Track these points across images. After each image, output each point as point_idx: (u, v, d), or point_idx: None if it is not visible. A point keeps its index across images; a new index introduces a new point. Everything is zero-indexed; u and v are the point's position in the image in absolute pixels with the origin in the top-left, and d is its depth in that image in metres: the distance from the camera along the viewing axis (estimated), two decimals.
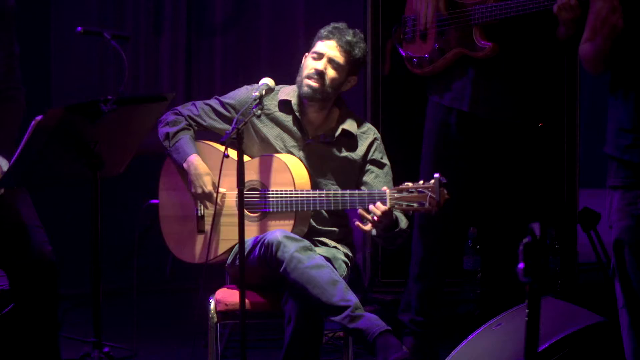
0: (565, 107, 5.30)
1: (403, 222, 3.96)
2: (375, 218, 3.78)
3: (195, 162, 4.05)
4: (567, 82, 5.30)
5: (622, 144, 3.23)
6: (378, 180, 4.08)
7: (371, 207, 3.79)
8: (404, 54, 4.40)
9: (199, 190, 4.03)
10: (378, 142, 4.14)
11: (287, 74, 4.32)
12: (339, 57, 4.02)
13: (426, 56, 4.33)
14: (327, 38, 4.03)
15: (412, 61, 4.38)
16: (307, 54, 4.10)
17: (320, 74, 4.00)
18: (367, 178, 4.10)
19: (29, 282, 3.79)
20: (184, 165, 4.06)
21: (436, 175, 3.75)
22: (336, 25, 4.06)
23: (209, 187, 4.01)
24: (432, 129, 4.40)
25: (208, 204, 4.04)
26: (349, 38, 4.02)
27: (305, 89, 4.02)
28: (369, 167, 4.11)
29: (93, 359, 3.54)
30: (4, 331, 3.85)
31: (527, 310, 2.28)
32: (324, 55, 4.02)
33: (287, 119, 4.11)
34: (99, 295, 3.55)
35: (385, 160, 4.13)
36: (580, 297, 4.89)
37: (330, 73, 4.02)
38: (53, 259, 3.82)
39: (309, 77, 4.02)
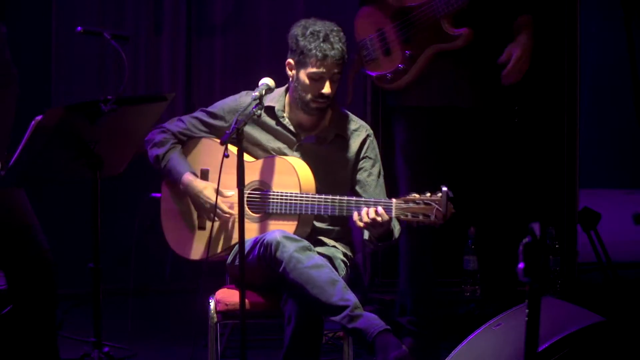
0: (565, 107, 5.30)
1: (396, 230, 3.97)
2: (369, 221, 3.78)
3: (190, 182, 4.03)
4: (567, 82, 5.29)
5: None
6: (371, 179, 4.08)
7: (369, 212, 3.78)
8: (373, 74, 4.33)
9: (207, 206, 4.01)
10: (371, 138, 4.13)
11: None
12: (338, 70, 3.97)
13: (400, 66, 4.29)
14: (324, 59, 3.93)
15: (386, 78, 4.32)
16: (292, 61, 4.00)
17: (328, 96, 3.98)
18: (360, 176, 4.09)
19: (27, 281, 3.79)
20: (181, 187, 4.04)
21: (444, 188, 3.71)
22: (323, 33, 3.96)
23: (213, 200, 4.00)
24: (416, 137, 4.36)
25: (219, 212, 4.00)
26: (339, 46, 3.95)
27: (314, 107, 3.99)
28: (361, 164, 4.10)
29: (93, 359, 3.54)
30: (3, 332, 3.85)
31: (527, 310, 2.27)
32: (325, 77, 3.96)
33: (273, 123, 4.09)
34: (99, 295, 3.55)
35: (377, 158, 4.12)
36: (580, 297, 4.89)
37: (334, 88, 3.98)
38: (51, 258, 3.81)
39: (315, 99, 3.98)
